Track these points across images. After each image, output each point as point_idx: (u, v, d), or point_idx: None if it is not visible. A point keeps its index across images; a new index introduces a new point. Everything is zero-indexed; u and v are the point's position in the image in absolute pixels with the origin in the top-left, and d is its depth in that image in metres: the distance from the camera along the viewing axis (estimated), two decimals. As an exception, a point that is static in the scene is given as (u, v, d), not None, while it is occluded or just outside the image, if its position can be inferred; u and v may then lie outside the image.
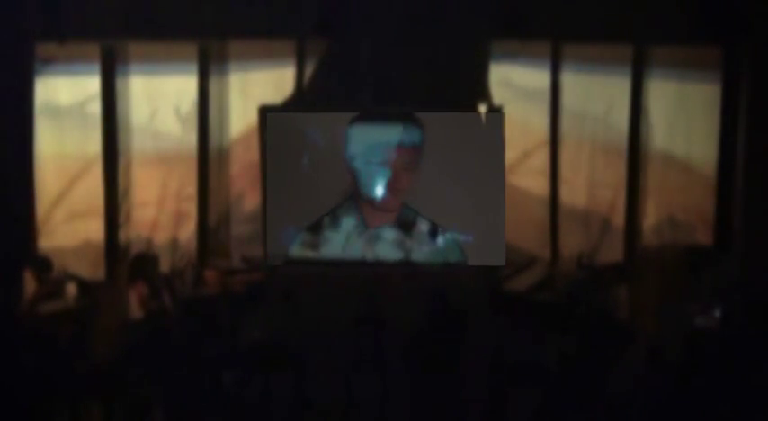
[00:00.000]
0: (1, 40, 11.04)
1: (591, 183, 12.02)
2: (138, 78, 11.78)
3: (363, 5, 11.68)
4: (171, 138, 11.97)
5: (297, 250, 11.84)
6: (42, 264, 10.79)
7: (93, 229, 11.68)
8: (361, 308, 10.18)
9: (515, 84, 11.97)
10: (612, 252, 11.87)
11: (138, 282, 10.62)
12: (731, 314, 10.28)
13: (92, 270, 11.55)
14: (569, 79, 11.91)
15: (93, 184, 11.67)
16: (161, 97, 11.90)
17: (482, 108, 11.64)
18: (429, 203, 11.68)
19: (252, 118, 11.91)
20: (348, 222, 11.76)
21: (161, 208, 11.94)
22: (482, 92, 11.83)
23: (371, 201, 11.70)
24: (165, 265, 11.59)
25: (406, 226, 11.68)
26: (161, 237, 11.91)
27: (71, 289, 10.81)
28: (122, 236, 11.77)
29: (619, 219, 11.98)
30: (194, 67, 11.87)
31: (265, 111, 11.79)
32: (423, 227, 11.70)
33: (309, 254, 11.83)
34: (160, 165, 11.92)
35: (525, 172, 12.04)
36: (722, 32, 11.57)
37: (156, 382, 9.61)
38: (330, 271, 11.53)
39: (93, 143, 11.67)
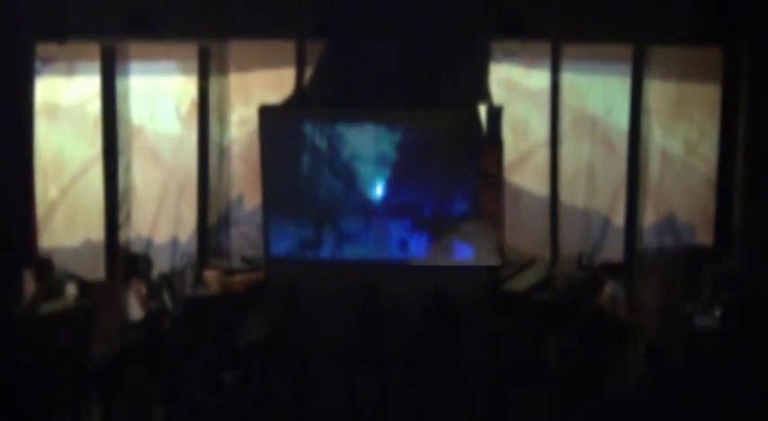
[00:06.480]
0: (1, 40, 11.04)
1: (591, 184, 12.01)
2: (138, 78, 11.79)
3: (363, 5, 11.69)
4: (171, 138, 11.97)
5: (297, 250, 11.86)
6: (42, 264, 10.79)
7: (94, 229, 11.68)
8: (361, 307, 10.17)
9: (515, 84, 11.97)
10: (612, 252, 11.86)
11: (134, 282, 10.61)
12: (731, 314, 10.28)
13: (92, 270, 11.55)
14: (569, 79, 11.91)
15: (94, 184, 11.67)
16: (161, 97, 11.91)
17: (482, 107, 11.64)
18: (429, 203, 11.69)
19: (252, 118, 11.91)
20: (348, 222, 11.78)
21: (161, 208, 11.94)
22: (482, 92, 11.83)
23: (371, 201, 11.73)
24: (165, 265, 11.60)
25: (405, 225, 11.70)
26: (161, 237, 11.91)
27: (71, 289, 10.81)
28: (122, 236, 11.77)
29: (619, 219, 11.98)
30: (194, 67, 11.88)
31: (265, 111, 11.80)
32: (423, 227, 11.72)
33: (309, 254, 11.85)
34: (160, 165, 11.93)
35: (525, 172, 12.03)
36: (722, 32, 11.57)
37: (156, 382, 9.61)
38: (330, 271, 11.55)
39: (94, 143, 11.67)
